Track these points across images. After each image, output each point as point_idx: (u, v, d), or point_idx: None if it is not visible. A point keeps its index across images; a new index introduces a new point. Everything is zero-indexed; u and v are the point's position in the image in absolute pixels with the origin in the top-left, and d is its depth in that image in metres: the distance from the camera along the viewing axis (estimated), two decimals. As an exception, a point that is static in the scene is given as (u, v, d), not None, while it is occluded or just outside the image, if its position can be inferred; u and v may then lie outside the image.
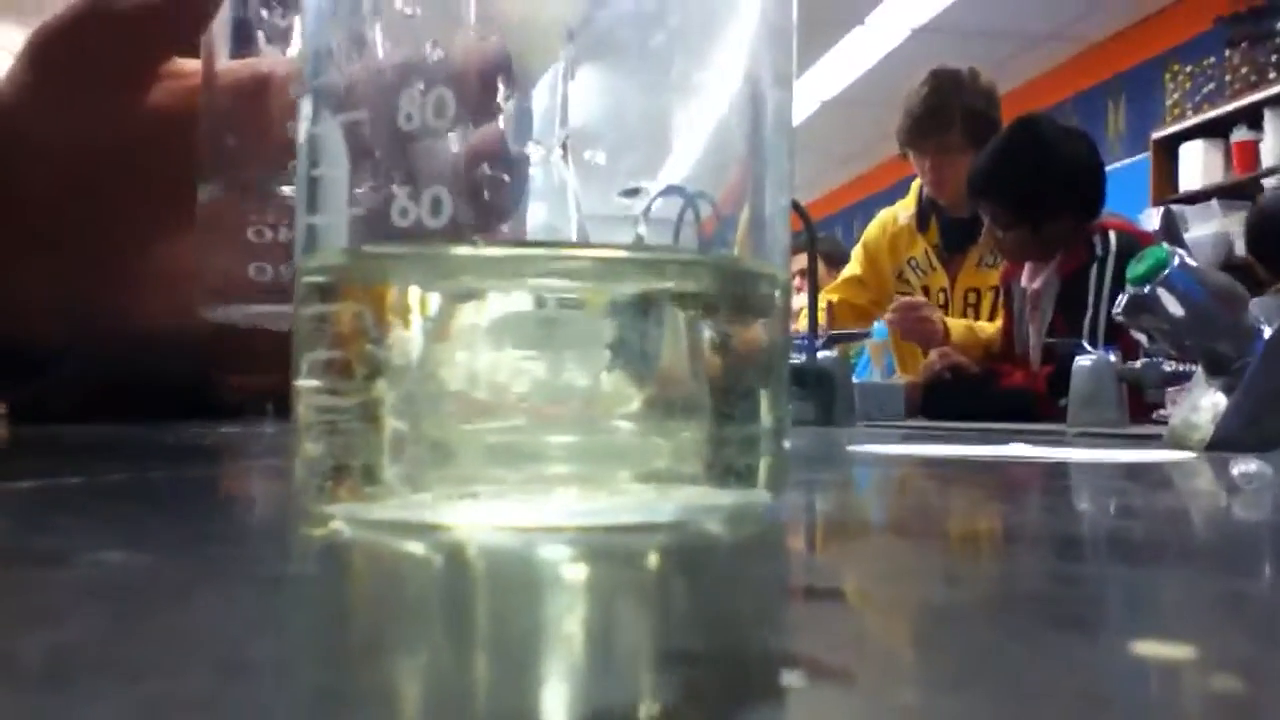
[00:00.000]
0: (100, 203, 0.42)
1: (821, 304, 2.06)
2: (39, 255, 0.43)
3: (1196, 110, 3.98)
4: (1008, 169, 1.68)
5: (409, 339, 0.19)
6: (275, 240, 0.38)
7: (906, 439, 0.82)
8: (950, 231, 2.03)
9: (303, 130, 0.22)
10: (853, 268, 2.20)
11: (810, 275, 1.45)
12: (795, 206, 1.39)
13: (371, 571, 0.17)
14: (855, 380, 1.38)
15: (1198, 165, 3.96)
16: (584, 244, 0.20)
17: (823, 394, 1.11)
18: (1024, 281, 1.79)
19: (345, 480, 0.20)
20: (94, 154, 0.42)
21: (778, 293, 0.22)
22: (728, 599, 0.15)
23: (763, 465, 0.21)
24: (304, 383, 0.21)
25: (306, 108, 0.22)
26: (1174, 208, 1.88)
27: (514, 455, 0.18)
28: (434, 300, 0.20)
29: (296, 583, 0.16)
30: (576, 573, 0.17)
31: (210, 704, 0.09)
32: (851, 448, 0.63)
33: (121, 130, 0.42)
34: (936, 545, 0.22)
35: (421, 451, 0.19)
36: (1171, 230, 0.75)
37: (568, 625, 0.13)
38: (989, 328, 1.92)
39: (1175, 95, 4.14)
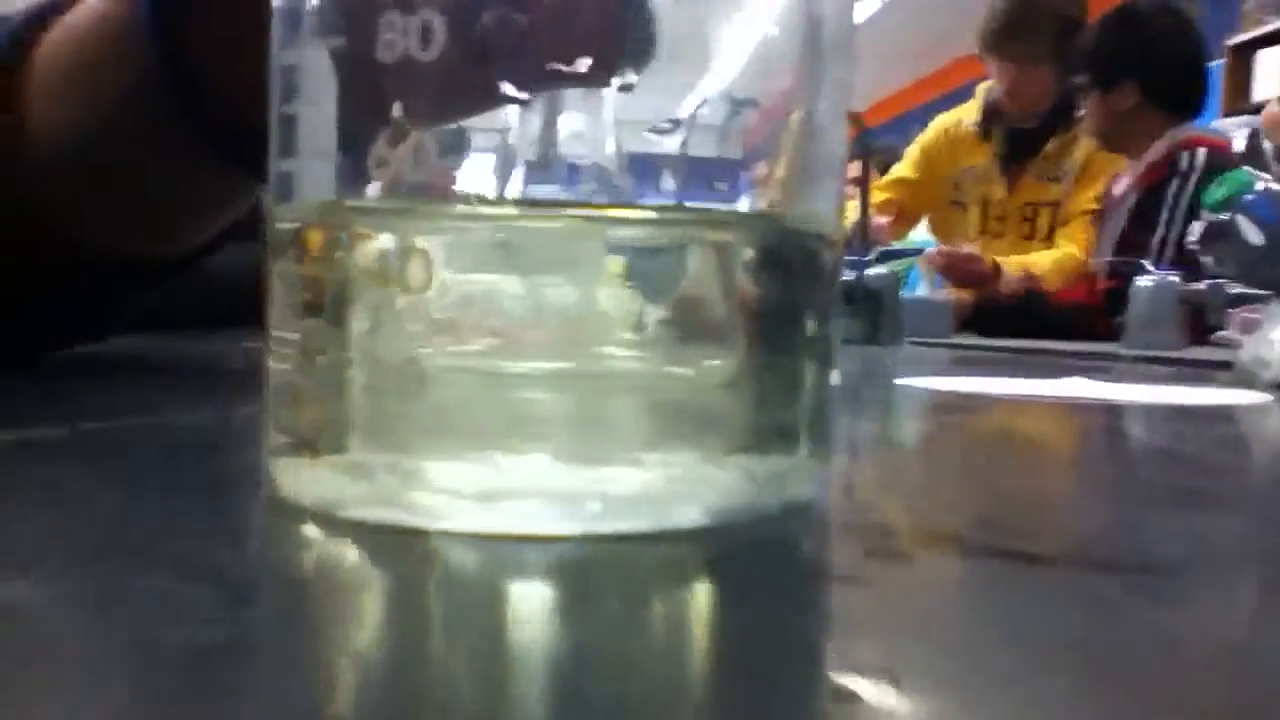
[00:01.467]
0: None
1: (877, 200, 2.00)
2: None
3: (1277, 13, 3.79)
4: (1097, 25, 1.68)
5: (380, 299, 0.16)
6: None
7: (956, 364, 0.79)
8: (1015, 141, 1.94)
9: (274, 59, 0.19)
10: (904, 168, 2.12)
11: (863, 187, 1.40)
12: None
13: (320, 557, 0.15)
14: (904, 296, 1.34)
15: (1274, 73, 3.77)
16: (591, 204, 0.17)
17: (870, 313, 1.08)
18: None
19: (309, 446, 0.17)
20: None
21: (825, 253, 0.19)
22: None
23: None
24: (276, 334, 0.18)
25: (279, 30, 0.18)
26: (1249, 120, 1.78)
27: (485, 432, 0.16)
28: (411, 260, 0.17)
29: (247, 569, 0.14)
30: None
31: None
32: (899, 381, 0.60)
33: None
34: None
35: (385, 421, 0.16)
36: (1257, 151, 0.70)
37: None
38: (1044, 262, 1.83)
39: (1254, -1, 3.94)
